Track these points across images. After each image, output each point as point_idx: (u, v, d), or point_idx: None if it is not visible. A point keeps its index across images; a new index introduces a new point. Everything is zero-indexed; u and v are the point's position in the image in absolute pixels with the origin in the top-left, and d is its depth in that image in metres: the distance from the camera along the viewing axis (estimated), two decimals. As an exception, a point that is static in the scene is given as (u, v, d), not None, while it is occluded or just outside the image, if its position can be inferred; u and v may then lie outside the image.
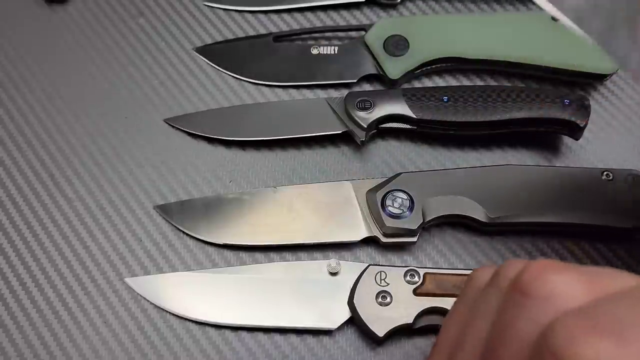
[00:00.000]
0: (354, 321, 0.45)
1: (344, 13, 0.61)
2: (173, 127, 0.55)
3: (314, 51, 0.58)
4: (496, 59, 0.55)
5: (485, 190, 0.48)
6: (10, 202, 0.52)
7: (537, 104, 0.51)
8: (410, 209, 0.48)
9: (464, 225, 0.50)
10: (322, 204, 0.50)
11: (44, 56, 0.59)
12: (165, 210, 0.51)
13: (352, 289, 0.46)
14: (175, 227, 0.50)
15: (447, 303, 0.44)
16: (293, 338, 0.46)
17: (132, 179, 0.53)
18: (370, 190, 0.49)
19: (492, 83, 0.57)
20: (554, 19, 0.56)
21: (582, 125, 0.50)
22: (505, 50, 0.55)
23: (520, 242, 0.50)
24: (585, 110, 0.51)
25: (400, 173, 0.50)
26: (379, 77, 0.57)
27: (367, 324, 0.44)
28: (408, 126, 0.53)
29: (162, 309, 0.47)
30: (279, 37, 0.58)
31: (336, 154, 0.54)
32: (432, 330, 0.46)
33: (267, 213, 0.50)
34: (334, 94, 0.57)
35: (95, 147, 0.54)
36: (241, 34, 0.60)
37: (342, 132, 0.53)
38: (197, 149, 0.54)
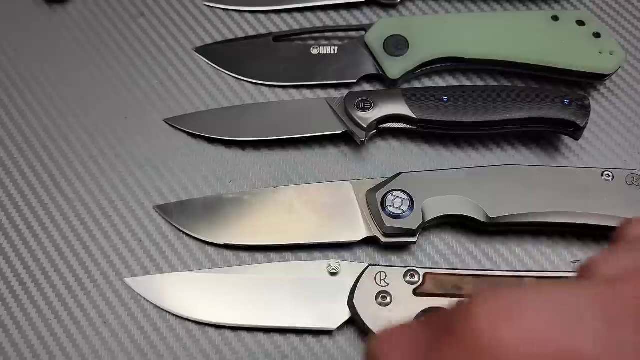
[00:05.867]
0: (354, 321, 0.45)
1: (344, 13, 0.61)
2: (173, 127, 0.55)
3: (314, 51, 0.58)
4: (496, 59, 0.55)
5: (485, 190, 0.48)
6: (10, 202, 0.52)
7: (537, 104, 0.51)
8: (410, 209, 0.48)
9: (464, 225, 0.50)
10: (322, 204, 0.50)
11: (44, 56, 0.59)
12: (165, 210, 0.51)
13: (352, 289, 0.46)
14: (175, 227, 0.50)
15: (447, 303, 0.44)
16: (293, 338, 0.46)
17: (132, 179, 0.53)
18: (370, 190, 0.49)
19: (492, 83, 0.57)
20: (554, 18, 0.56)
21: (582, 125, 0.50)
22: (505, 50, 0.55)
23: (520, 242, 0.50)
24: (585, 110, 0.51)
25: (400, 173, 0.50)
26: (379, 77, 0.57)
27: (367, 324, 0.44)
28: (408, 126, 0.53)
29: (162, 309, 0.47)
30: (279, 37, 0.58)
31: (336, 154, 0.54)
32: (432, 330, 0.46)
33: (267, 213, 0.50)
34: (334, 94, 0.57)
35: (95, 147, 0.54)
36: (241, 34, 0.60)
37: (342, 132, 0.53)
38: (197, 149, 0.54)
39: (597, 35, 0.55)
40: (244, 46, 0.59)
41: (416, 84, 0.57)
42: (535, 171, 0.49)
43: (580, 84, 0.56)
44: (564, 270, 0.48)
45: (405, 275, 0.45)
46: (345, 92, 0.54)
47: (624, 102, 0.56)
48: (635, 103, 0.56)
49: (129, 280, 0.48)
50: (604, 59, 0.54)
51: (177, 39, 0.60)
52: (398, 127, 0.53)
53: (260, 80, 0.57)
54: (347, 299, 0.45)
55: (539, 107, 0.51)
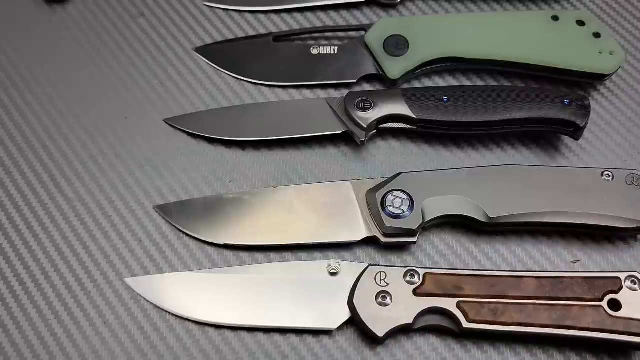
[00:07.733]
0: (354, 321, 0.45)
1: (344, 13, 0.61)
2: (173, 127, 0.55)
3: (314, 51, 0.58)
4: (496, 59, 0.55)
5: (485, 190, 0.48)
6: (10, 202, 0.52)
7: (537, 104, 0.51)
8: (410, 209, 0.48)
9: (464, 225, 0.50)
10: (322, 204, 0.50)
11: (44, 56, 0.59)
12: (165, 210, 0.51)
13: (352, 289, 0.46)
14: (175, 227, 0.50)
15: (447, 303, 0.44)
16: (293, 338, 0.46)
17: (132, 179, 0.53)
18: (370, 190, 0.49)
19: (492, 83, 0.57)
20: (554, 18, 0.56)
21: (582, 125, 0.50)
22: (505, 50, 0.55)
23: (520, 242, 0.50)
24: (585, 110, 0.51)
25: (400, 173, 0.50)
26: (379, 77, 0.57)
27: (367, 324, 0.44)
28: (408, 126, 0.53)
29: (162, 309, 0.47)
30: (279, 37, 0.58)
31: (336, 154, 0.54)
32: (432, 330, 0.46)
33: (267, 213, 0.50)
34: (334, 94, 0.57)
35: (95, 147, 0.54)
36: (241, 34, 0.60)
37: (342, 132, 0.53)
38: (197, 149, 0.54)
39: (597, 35, 0.55)
40: (244, 46, 0.59)
41: (416, 84, 0.57)
42: (535, 171, 0.49)
43: (580, 84, 0.56)
44: (564, 270, 0.48)
45: (405, 275, 0.45)
46: (345, 92, 0.54)
47: (624, 102, 0.56)
48: (635, 103, 0.56)
49: (129, 280, 0.48)
50: (604, 59, 0.54)
51: (177, 39, 0.60)
52: (398, 127, 0.53)
53: (260, 80, 0.57)
54: (347, 299, 0.45)
55: (539, 107, 0.51)
